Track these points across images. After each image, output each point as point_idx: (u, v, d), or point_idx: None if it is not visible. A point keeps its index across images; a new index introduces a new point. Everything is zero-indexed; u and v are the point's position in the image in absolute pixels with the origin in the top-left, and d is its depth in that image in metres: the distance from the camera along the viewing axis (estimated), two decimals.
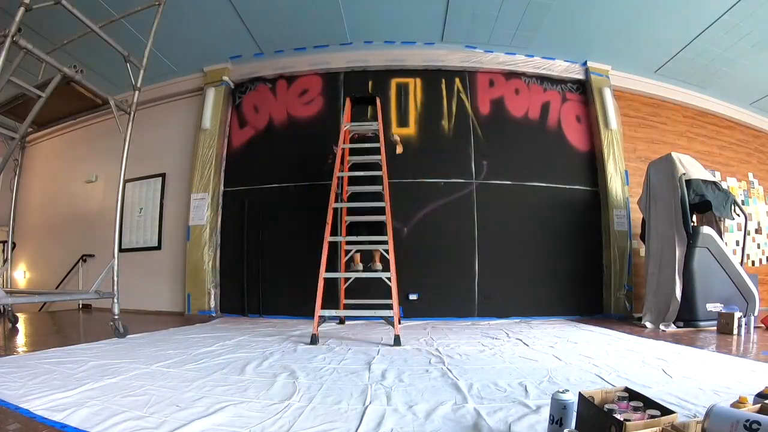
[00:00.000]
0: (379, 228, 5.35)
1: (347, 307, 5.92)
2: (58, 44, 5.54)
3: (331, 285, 7.05)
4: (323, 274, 4.93)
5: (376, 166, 5.61)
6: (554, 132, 7.75)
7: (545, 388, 2.62)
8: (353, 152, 6.05)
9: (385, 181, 5.44)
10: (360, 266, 5.95)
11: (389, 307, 4.84)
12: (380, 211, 5.18)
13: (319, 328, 4.63)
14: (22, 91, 4.36)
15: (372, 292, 6.10)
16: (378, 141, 5.59)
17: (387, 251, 4.94)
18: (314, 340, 4.51)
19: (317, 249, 7.23)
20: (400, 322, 5.02)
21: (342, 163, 5.70)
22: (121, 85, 6.71)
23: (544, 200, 7.38)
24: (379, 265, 5.76)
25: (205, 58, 7.92)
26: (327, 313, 5.05)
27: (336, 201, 5.34)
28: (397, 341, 4.46)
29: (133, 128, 5.15)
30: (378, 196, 5.33)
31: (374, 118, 5.87)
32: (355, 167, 5.94)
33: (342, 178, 5.82)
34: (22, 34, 3.82)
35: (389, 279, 4.85)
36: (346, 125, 5.75)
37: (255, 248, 7.42)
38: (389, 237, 4.94)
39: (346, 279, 5.87)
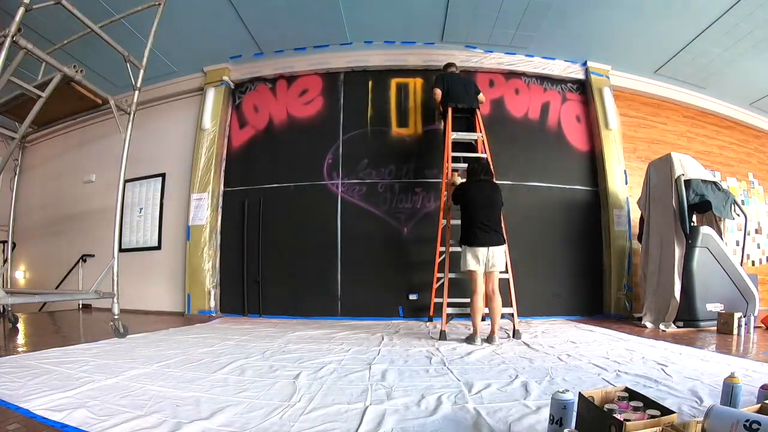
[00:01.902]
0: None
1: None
2: (58, 44, 5.54)
3: (328, 279, 7.10)
4: (448, 274, 5.35)
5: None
6: (554, 132, 7.74)
7: (545, 388, 2.63)
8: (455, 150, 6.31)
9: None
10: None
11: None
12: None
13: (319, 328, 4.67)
14: (22, 91, 4.36)
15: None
16: (476, 149, 6.20)
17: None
18: (442, 336, 4.88)
19: (318, 249, 7.27)
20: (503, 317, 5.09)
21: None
22: (121, 85, 6.72)
23: (543, 200, 7.38)
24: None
25: (205, 58, 7.91)
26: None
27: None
28: (518, 335, 4.85)
29: (133, 128, 5.16)
30: None
31: (474, 128, 6.33)
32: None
33: (445, 159, 6.21)
34: (22, 34, 3.82)
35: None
36: (453, 135, 6.18)
37: (255, 248, 7.42)
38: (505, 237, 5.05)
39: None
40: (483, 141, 6.17)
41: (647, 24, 6.68)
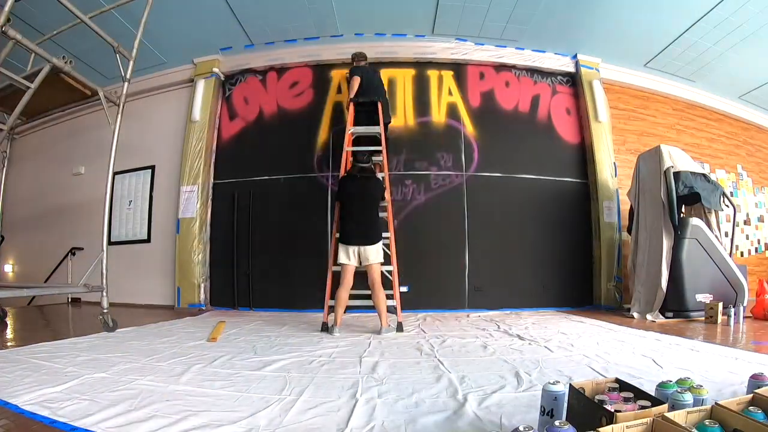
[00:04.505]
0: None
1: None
2: (48, 35, 5.48)
3: (318, 272, 7.08)
4: (332, 267, 5.20)
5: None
6: (544, 124, 7.76)
7: (536, 379, 2.64)
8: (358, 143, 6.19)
9: (387, 177, 5.69)
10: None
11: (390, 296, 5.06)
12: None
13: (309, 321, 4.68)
14: (10, 82, 4.32)
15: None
16: (380, 143, 5.90)
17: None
18: (324, 327, 4.85)
19: (308, 242, 7.23)
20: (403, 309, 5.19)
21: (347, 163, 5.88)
22: (111, 76, 6.69)
23: (534, 192, 7.40)
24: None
25: (195, 49, 7.84)
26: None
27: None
28: (399, 328, 4.83)
29: (122, 120, 5.12)
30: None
31: (377, 122, 6.03)
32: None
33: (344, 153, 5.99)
34: (11, 24, 3.78)
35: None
36: (350, 129, 6.01)
37: (245, 241, 7.39)
38: (390, 231, 5.36)
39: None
40: (383, 135, 6.03)
41: (637, 17, 6.70)
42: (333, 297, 4.97)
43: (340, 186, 5.17)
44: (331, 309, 5.00)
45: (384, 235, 5.19)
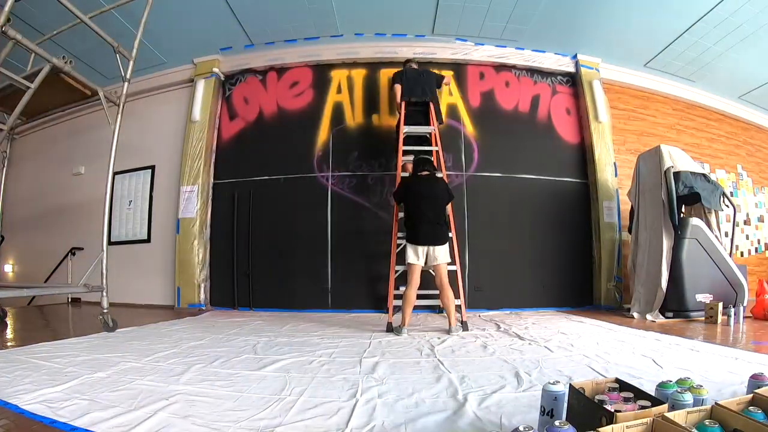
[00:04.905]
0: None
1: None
2: (48, 35, 5.48)
3: (318, 271, 7.09)
4: (394, 267, 5.32)
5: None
6: (544, 124, 7.75)
7: (536, 379, 2.64)
8: (407, 143, 6.24)
9: (445, 176, 5.76)
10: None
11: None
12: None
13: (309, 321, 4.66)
14: (10, 82, 4.32)
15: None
16: (430, 143, 6.12)
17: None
18: (390, 328, 4.84)
19: (308, 242, 7.23)
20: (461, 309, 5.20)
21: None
22: (111, 76, 6.68)
23: (534, 192, 7.40)
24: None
25: (195, 49, 7.84)
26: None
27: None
28: (465, 327, 4.86)
29: (122, 120, 5.11)
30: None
31: (429, 122, 6.18)
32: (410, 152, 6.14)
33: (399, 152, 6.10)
34: (12, 24, 3.77)
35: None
36: (405, 129, 6.08)
37: (245, 241, 7.39)
38: (453, 231, 5.37)
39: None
40: (435, 135, 6.11)
41: (637, 17, 6.70)
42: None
43: (406, 186, 5.15)
44: (396, 309, 5.04)
45: (449, 234, 5.19)
